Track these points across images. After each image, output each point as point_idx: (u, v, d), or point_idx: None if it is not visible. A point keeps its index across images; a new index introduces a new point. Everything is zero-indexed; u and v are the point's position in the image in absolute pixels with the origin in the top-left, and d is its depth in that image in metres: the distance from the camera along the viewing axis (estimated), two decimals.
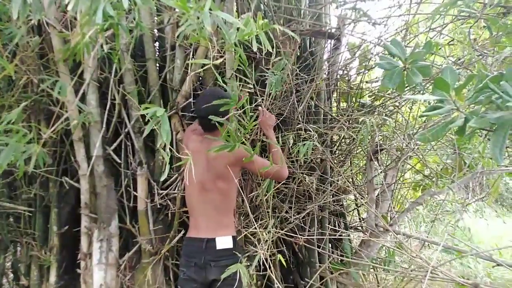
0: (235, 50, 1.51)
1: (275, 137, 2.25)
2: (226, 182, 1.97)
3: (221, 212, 2.00)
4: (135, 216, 2.35)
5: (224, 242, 1.93)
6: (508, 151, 2.79)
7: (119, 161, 2.31)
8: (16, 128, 1.48)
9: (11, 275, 2.77)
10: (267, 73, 2.18)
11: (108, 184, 2.26)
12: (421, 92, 2.40)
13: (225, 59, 2.13)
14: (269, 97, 2.31)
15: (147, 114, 1.39)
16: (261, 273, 2.27)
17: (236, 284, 1.88)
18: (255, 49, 1.38)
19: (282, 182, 2.52)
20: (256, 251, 2.14)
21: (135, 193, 2.30)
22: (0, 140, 1.44)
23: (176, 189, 2.30)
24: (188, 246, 2.01)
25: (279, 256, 2.13)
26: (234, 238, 1.99)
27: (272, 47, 1.75)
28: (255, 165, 1.97)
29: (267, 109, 2.36)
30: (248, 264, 2.21)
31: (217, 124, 1.72)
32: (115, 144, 2.29)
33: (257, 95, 2.36)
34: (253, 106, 2.25)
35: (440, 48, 2.65)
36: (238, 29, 1.34)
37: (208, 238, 1.93)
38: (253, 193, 2.38)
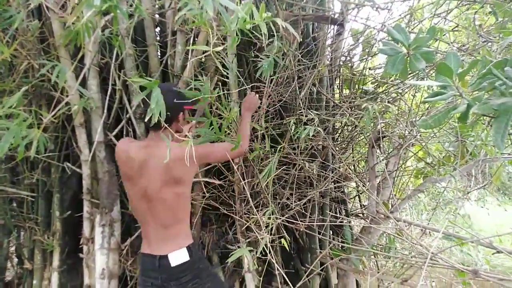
0: (236, 35, 1.50)
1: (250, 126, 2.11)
2: (179, 186, 1.75)
3: (172, 223, 1.78)
4: None
5: (178, 257, 1.74)
6: (511, 139, 2.78)
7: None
8: (17, 112, 1.48)
9: (15, 259, 2.81)
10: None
11: (110, 169, 2.26)
12: (425, 78, 2.39)
13: (225, 40, 2.11)
14: (271, 83, 2.29)
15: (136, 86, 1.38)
16: (263, 257, 2.28)
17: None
18: (262, 37, 1.36)
19: (283, 169, 2.52)
20: (258, 237, 2.16)
21: None
22: (0, 124, 1.44)
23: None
24: (143, 263, 1.83)
25: (282, 240, 2.13)
26: (189, 248, 1.78)
27: (273, 35, 1.74)
28: (217, 154, 1.86)
29: (268, 96, 2.35)
30: (251, 249, 2.22)
31: (169, 121, 1.66)
32: (116, 130, 2.29)
33: (260, 82, 2.35)
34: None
35: (444, 34, 2.62)
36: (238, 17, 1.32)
37: (161, 256, 1.74)
38: (254, 180, 2.38)
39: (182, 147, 1.54)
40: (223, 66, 2.11)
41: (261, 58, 2.14)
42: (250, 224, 2.21)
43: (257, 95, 2.12)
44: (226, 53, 2.19)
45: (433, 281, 3.76)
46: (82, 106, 2.09)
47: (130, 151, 1.77)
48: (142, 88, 1.48)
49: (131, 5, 1.62)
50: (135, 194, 1.79)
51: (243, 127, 1.99)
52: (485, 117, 2.30)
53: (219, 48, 1.36)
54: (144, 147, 1.78)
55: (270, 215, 2.10)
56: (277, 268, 1.96)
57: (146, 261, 1.80)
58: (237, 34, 1.50)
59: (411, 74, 2.46)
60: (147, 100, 1.66)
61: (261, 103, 2.22)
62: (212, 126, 1.84)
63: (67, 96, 2.03)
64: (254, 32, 1.39)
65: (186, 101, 1.76)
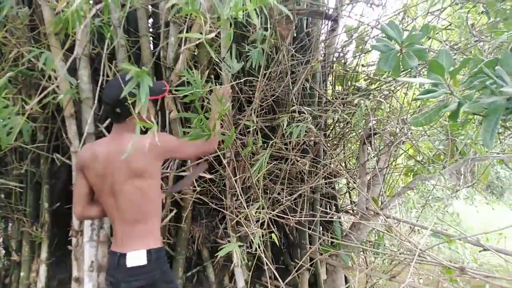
0: (230, 26, 1.49)
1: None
2: (144, 181, 1.69)
3: (140, 219, 1.72)
4: None
5: (135, 258, 1.66)
6: (500, 138, 2.81)
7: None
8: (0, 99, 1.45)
9: (3, 251, 2.78)
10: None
11: None
12: (417, 76, 2.40)
13: (218, 34, 2.09)
14: (264, 78, 2.29)
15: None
16: (252, 252, 2.29)
17: None
18: (258, 25, 1.34)
19: (274, 164, 2.52)
20: (248, 232, 2.16)
21: None
22: None
23: (169, 168, 2.29)
24: (108, 261, 1.80)
25: (273, 235, 2.13)
26: (150, 252, 1.69)
27: (268, 27, 1.73)
28: (185, 149, 1.79)
29: (261, 90, 2.34)
30: (241, 244, 2.22)
31: (121, 111, 1.63)
32: (107, 122, 2.27)
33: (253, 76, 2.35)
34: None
35: (437, 33, 2.63)
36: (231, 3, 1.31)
37: (121, 253, 1.68)
38: (245, 174, 2.37)
39: (143, 138, 1.48)
40: (217, 59, 2.10)
41: (249, 49, 2.13)
42: (240, 218, 2.21)
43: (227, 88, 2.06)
44: (219, 46, 2.17)
45: (420, 278, 3.81)
46: (73, 97, 2.06)
47: (94, 153, 1.73)
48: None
49: None
50: (103, 190, 1.74)
51: (214, 122, 1.88)
52: (475, 116, 2.32)
53: (212, 35, 1.34)
54: (106, 143, 1.76)
55: (260, 209, 2.10)
56: (267, 263, 1.96)
57: (110, 258, 1.77)
58: (230, 25, 1.49)
59: (403, 72, 2.47)
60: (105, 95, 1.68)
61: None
62: (202, 122, 1.81)
63: (53, 84, 2.00)
64: (247, 25, 1.38)
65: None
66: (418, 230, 5.13)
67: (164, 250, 1.84)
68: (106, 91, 1.70)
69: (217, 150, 2.24)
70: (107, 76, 2.20)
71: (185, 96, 2.01)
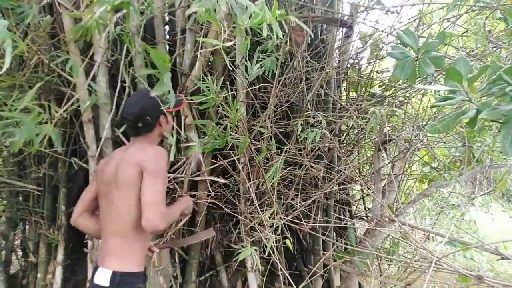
0: (246, 35, 1.51)
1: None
2: (127, 193, 1.59)
3: (118, 232, 1.62)
4: None
5: (101, 276, 1.56)
6: None
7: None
8: (32, 107, 1.49)
9: (20, 252, 2.83)
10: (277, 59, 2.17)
11: None
12: (433, 83, 2.39)
13: (235, 43, 2.12)
14: (278, 84, 2.30)
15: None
16: (265, 258, 2.29)
17: None
18: (264, 34, 1.36)
19: (288, 170, 2.53)
20: (262, 237, 2.16)
21: None
22: (15, 118, 1.46)
23: (184, 172, 2.31)
24: None
25: (287, 241, 2.13)
26: (115, 274, 1.56)
27: (283, 34, 1.74)
28: (147, 183, 1.55)
29: (276, 96, 2.35)
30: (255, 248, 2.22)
31: (149, 127, 1.65)
32: (124, 127, 2.30)
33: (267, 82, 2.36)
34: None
35: (453, 40, 2.61)
36: (250, 15, 1.33)
37: (96, 265, 1.62)
38: (259, 180, 2.38)
39: (142, 152, 1.53)
40: (231, 66, 2.12)
41: (263, 57, 2.15)
42: (254, 224, 2.22)
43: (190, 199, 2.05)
44: (235, 53, 2.19)
45: (435, 286, 3.75)
46: (92, 103, 2.10)
47: (108, 161, 1.76)
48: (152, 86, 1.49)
49: (142, 3, 1.63)
50: (100, 197, 1.73)
51: (174, 210, 1.82)
52: (492, 123, 2.29)
53: (229, 43, 1.36)
54: (118, 152, 1.76)
55: (274, 215, 2.10)
56: (280, 269, 1.96)
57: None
58: (246, 33, 1.51)
59: (419, 78, 2.46)
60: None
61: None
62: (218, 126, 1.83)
63: (76, 92, 2.04)
64: (261, 33, 1.39)
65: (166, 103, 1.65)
66: (432, 237, 5.06)
67: (137, 276, 1.64)
68: (128, 108, 1.71)
69: (232, 155, 2.26)
70: (124, 82, 2.24)
71: (201, 102, 2.04)
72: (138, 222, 1.57)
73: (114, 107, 2.19)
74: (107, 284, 1.53)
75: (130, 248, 1.62)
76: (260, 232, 2.22)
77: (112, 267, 1.56)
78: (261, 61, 2.16)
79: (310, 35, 2.56)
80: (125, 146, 1.85)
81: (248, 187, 2.30)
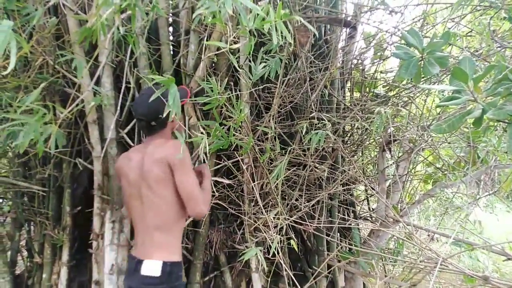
0: (249, 36, 1.51)
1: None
2: (165, 189, 1.70)
3: (158, 227, 1.72)
4: None
5: (150, 268, 1.66)
6: None
7: (132, 144, 2.33)
8: (37, 108, 1.50)
9: (25, 253, 2.84)
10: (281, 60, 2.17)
11: None
12: (437, 83, 2.38)
13: (238, 40, 2.12)
14: (282, 84, 2.30)
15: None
16: (270, 258, 2.28)
17: None
18: (274, 40, 1.36)
19: (292, 170, 2.53)
20: (266, 237, 2.16)
21: None
22: (20, 120, 1.47)
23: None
24: (127, 264, 1.82)
25: (292, 241, 2.13)
26: (166, 264, 1.67)
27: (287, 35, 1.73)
28: (180, 178, 1.67)
29: (280, 97, 2.35)
30: (260, 248, 2.22)
31: (163, 124, 1.68)
32: (128, 127, 2.31)
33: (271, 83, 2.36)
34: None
35: (457, 39, 2.61)
36: (255, 16, 1.33)
37: (138, 260, 1.70)
38: (263, 180, 2.38)
39: (165, 148, 1.58)
40: (235, 66, 2.12)
41: (267, 58, 2.15)
42: (258, 224, 2.22)
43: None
44: (239, 54, 2.20)
45: (440, 286, 3.74)
46: (97, 104, 2.11)
47: (129, 160, 1.81)
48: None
49: (147, 5, 1.64)
50: (131, 195, 1.80)
51: (207, 186, 1.90)
52: (497, 123, 2.28)
53: (235, 46, 1.36)
54: (138, 150, 1.82)
55: (279, 215, 2.10)
56: (285, 269, 1.96)
57: (128, 261, 1.81)
58: (251, 34, 1.51)
59: (423, 78, 2.45)
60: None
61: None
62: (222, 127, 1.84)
63: (81, 92, 2.05)
64: (265, 34, 1.40)
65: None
66: (437, 238, 5.04)
67: (180, 265, 1.79)
68: (139, 108, 1.74)
69: (236, 156, 2.27)
70: (129, 83, 2.25)
71: (205, 103, 2.05)
72: (177, 215, 1.74)
73: (118, 108, 2.21)
74: (159, 274, 1.63)
75: (173, 239, 1.76)
76: (265, 232, 2.22)
77: (161, 258, 1.67)
78: (265, 62, 2.17)
79: (314, 35, 2.57)
80: (141, 146, 1.88)
81: (252, 188, 2.30)
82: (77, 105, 1.80)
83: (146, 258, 1.68)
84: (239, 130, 2.18)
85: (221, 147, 2.10)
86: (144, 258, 1.69)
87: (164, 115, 1.51)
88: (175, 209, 1.74)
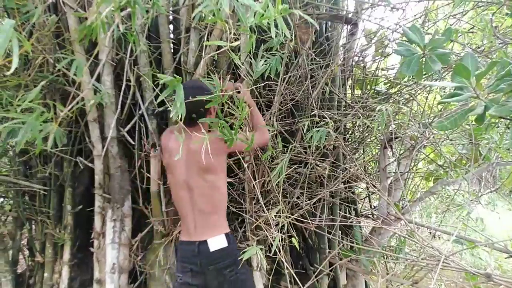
0: (250, 33, 1.50)
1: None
2: (212, 175, 1.85)
3: (211, 211, 1.88)
4: (148, 197, 2.37)
5: (217, 242, 1.82)
6: None
7: (133, 142, 2.33)
8: (35, 106, 1.49)
9: (27, 252, 2.84)
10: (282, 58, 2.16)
11: (122, 165, 2.28)
12: (439, 80, 2.37)
13: (239, 38, 2.11)
14: (283, 82, 2.29)
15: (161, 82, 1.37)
16: (271, 256, 2.28)
17: (245, 282, 1.84)
18: (273, 35, 1.35)
19: (294, 168, 2.52)
20: (267, 236, 2.15)
21: (148, 174, 2.31)
22: (18, 118, 1.46)
23: None
24: (182, 250, 1.91)
25: (293, 239, 2.13)
26: (228, 235, 1.87)
27: (289, 32, 1.72)
28: (240, 144, 1.87)
29: (281, 94, 2.34)
30: (261, 247, 2.22)
31: (203, 116, 1.72)
32: (129, 126, 2.30)
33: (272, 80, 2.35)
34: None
35: (459, 36, 2.59)
36: (255, 12, 1.32)
37: (200, 241, 1.83)
38: (264, 178, 2.38)
39: (209, 138, 1.63)
40: (236, 64, 2.11)
41: (267, 56, 2.14)
42: (260, 222, 2.21)
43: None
44: (239, 50, 2.18)
45: (441, 284, 3.73)
46: (97, 102, 2.10)
47: (169, 142, 1.92)
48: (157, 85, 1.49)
49: (147, 2, 1.63)
50: (176, 183, 1.90)
51: (256, 113, 2.08)
52: (499, 120, 2.27)
53: (235, 43, 1.35)
54: (174, 148, 1.88)
55: (280, 214, 2.10)
56: (287, 268, 1.95)
57: (185, 248, 1.89)
58: (251, 31, 1.50)
59: (425, 75, 2.44)
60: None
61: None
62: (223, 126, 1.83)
63: (81, 91, 2.04)
64: (267, 30, 1.38)
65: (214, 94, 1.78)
66: (439, 236, 5.04)
67: (232, 233, 2.01)
68: (187, 96, 1.76)
69: (238, 154, 2.26)
70: (129, 81, 2.24)
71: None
72: (225, 195, 1.96)
73: (119, 106, 2.20)
74: (226, 244, 1.83)
75: (223, 217, 1.94)
76: (266, 231, 2.21)
77: (222, 232, 1.85)
78: (266, 59, 2.16)
79: (315, 32, 2.55)
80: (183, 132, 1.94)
81: (254, 186, 2.29)
82: (77, 103, 1.79)
83: (208, 238, 1.83)
84: (241, 128, 2.17)
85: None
86: (205, 238, 1.83)
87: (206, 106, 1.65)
88: (220, 193, 1.92)
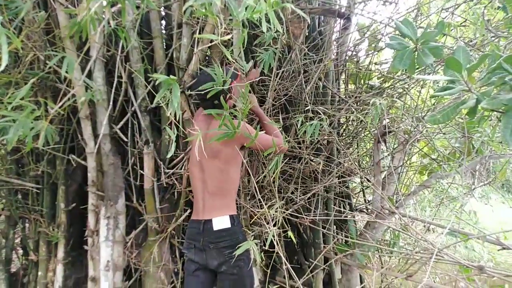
0: (242, 28, 1.48)
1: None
2: (221, 161, 1.91)
3: (219, 193, 1.93)
4: (141, 194, 2.37)
5: (221, 222, 1.88)
6: None
7: (125, 139, 2.32)
8: (26, 104, 1.48)
9: (20, 251, 2.83)
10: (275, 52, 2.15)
11: (115, 162, 2.27)
12: (431, 73, 2.37)
13: (232, 37, 2.10)
14: (276, 77, 2.28)
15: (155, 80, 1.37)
16: (267, 251, 2.28)
17: (243, 266, 1.87)
18: (264, 29, 1.34)
19: (288, 163, 2.52)
20: (262, 231, 2.15)
21: (141, 171, 2.31)
22: (8, 116, 1.44)
23: (183, 168, 2.30)
24: (189, 228, 1.98)
25: (289, 233, 2.13)
26: (232, 217, 1.92)
27: (281, 27, 1.71)
28: (264, 141, 1.91)
29: (274, 89, 2.34)
30: (256, 242, 2.22)
31: (219, 102, 1.69)
32: (121, 123, 2.29)
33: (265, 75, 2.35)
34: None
35: (452, 29, 2.59)
36: (247, 6, 1.31)
37: (205, 220, 1.89)
38: (258, 174, 2.37)
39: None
40: (228, 59, 2.10)
41: (260, 52, 2.13)
42: (257, 218, 2.21)
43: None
44: (232, 45, 2.17)
45: (436, 277, 3.76)
46: (88, 99, 2.09)
47: (196, 121, 2.00)
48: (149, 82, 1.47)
49: None
50: (192, 162, 1.98)
51: (269, 123, 2.10)
52: (492, 113, 2.28)
53: (227, 37, 1.35)
54: (202, 121, 2.00)
55: (276, 209, 2.10)
56: (284, 263, 1.96)
57: (192, 226, 1.96)
58: (243, 26, 1.49)
59: (417, 69, 2.44)
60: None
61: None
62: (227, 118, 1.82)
63: (72, 88, 2.02)
64: (259, 25, 1.37)
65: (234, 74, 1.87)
66: (433, 229, 5.07)
67: (239, 217, 2.06)
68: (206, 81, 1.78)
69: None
70: (121, 77, 2.22)
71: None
72: (236, 181, 1.99)
73: (111, 103, 2.18)
74: (229, 225, 1.87)
75: (231, 200, 1.98)
76: (261, 226, 2.21)
77: (227, 213, 1.90)
78: (258, 55, 2.15)
79: (308, 26, 2.54)
80: (204, 117, 2.02)
81: (248, 181, 2.29)
82: (68, 100, 1.78)
83: (214, 217, 1.88)
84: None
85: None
86: (211, 217, 1.88)
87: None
88: (231, 179, 1.96)
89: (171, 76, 1.39)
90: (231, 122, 1.70)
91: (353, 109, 2.55)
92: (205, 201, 1.94)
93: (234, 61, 1.95)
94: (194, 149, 1.92)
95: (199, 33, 2.18)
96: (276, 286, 2.70)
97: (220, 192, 1.93)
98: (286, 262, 1.96)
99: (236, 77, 1.93)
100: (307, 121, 2.25)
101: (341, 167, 2.75)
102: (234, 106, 1.98)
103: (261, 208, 2.17)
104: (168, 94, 1.42)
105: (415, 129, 2.62)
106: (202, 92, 1.78)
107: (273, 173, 2.14)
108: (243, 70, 1.96)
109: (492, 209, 5.93)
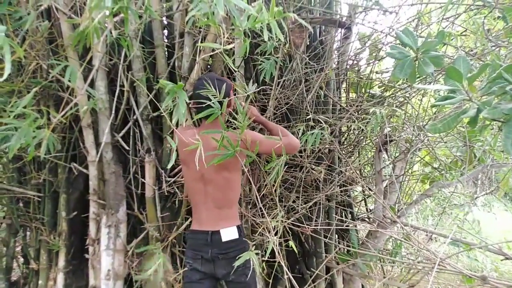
0: (244, 38, 1.50)
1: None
2: (228, 171, 1.89)
3: (223, 204, 1.92)
4: (143, 203, 2.36)
5: (229, 233, 1.88)
6: None
7: (127, 148, 2.32)
8: (28, 112, 1.49)
9: (21, 259, 2.82)
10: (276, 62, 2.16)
11: (117, 170, 2.27)
12: (432, 83, 2.38)
13: (233, 42, 2.11)
14: (278, 86, 2.29)
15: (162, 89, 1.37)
16: (268, 261, 2.27)
17: (249, 274, 1.87)
18: (266, 38, 1.35)
19: (290, 172, 2.52)
20: (263, 240, 2.14)
21: (143, 180, 2.31)
22: (11, 124, 1.45)
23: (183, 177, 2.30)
24: (193, 239, 1.95)
25: (290, 243, 2.13)
26: (239, 227, 1.93)
27: (283, 36, 1.73)
28: (265, 146, 1.88)
29: (275, 98, 2.34)
30: (257, 252, 2.21)
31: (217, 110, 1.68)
32: (123, 131, 2.29)
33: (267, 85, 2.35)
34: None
35: (452, 39, 2.61)
36: (249, 16, 1.32)
37: (212, 231, 1.88)
38: (260, 183, 2.37)
39: (229, 134, 1.66)
40: (230, 68, 2.11)
41: (262, 60, 2.14)
42: (259, 227, 2.21)
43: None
44: (234, 54, 2.19)
45: (438, 287, 3.73)
46: (90, 107, 2.10)
47: (184, 137, 1.86)
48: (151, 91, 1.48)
49: (140, 7, 1.63)
50: (191, 176, 1.93)
51: (273, 125, 2.09)
52: (493, 122, 2.28)
53: (229, 46, 1.35)
54: (192, 135, 1.88)
55: (278, 218, 2.10)
56: (286, 272, 1.95)
57: (197, 237, 1.93)
58: (245, 36, 1.50)
59: (418, 78, 2.45)
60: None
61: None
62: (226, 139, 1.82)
63: (75, 96, 2.04)
64: (261, 34, 1.38)
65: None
66: (435, 238, 5.04)
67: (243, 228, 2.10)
68: (200, 97, 1.81)
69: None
70: (123, 86, 2.23)
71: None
72: (239, 191, 2.02)
73: (113, 112, 2.19)
74: (237, 236, 1.89)
75: (236, 211, 2.00)
76: (262, 235, 2.20)
77: (234, 224, 1.92)
78: (260, 64, 2.16)
79: (309, 36, 2.56)
80: (199, 129, 1.95)
81: (249, 190, 2.29)
82: (71, 109, 1.78)
83: (221, 228, 1.88)
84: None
85: None
86: (218, 228, 1.88)
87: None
88: (236, 188, 1.98)
89: (179, 83, 1.41)
90: (230, 143, 1.70)
91: (354, 118, 2.55)
92: (210, 212, 1.92)
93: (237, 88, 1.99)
94: (194, 163, 1.81)
95: (201, 42, 2.19)
96: None
97: (226, 203, 1.93)
98: (288, 272, 1.95)
99: (231, 87, 1.92)
100: (308, 130, 2.26)
101: (342, 176, 2.74)
102: (231, 114, 1.98)
103: (262, 217, 2.16)
104: (170, 103, 1.43)
105: (417, 138, 2.62)
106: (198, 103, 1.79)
107: (274, 182, 2.14)
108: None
109: (495, 217, 5.89)
